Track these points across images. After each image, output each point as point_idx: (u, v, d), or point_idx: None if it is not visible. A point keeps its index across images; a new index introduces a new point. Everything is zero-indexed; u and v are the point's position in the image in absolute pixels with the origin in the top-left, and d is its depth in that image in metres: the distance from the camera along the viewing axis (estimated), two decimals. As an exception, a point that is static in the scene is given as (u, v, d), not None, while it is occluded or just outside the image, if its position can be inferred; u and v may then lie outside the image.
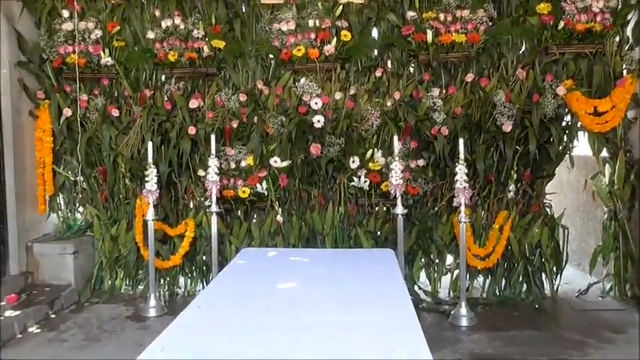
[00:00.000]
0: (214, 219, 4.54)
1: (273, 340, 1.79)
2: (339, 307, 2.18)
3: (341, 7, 4.75)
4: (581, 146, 4.85)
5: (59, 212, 5.19)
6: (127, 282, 5.09)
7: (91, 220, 5.13)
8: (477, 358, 3.59)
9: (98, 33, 4.85)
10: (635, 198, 4.56)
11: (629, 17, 4.56)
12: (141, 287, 5.05)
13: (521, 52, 4.74)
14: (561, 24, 4.45)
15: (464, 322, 4.17)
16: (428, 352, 1.67)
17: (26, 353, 3.69)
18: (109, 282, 5.05)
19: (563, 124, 4.66)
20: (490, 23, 4.59)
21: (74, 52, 4.81)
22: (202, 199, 4.88)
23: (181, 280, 5.05)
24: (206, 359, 1.65)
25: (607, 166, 4.74)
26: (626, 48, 4.58)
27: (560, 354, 3.61)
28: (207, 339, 1.83)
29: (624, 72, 4.56)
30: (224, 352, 1.68)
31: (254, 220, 4.96)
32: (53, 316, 4.41)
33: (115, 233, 5.01)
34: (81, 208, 5.22)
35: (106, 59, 4.86)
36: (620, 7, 4.51)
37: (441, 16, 4.57)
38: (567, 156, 4.70)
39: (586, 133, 4.67)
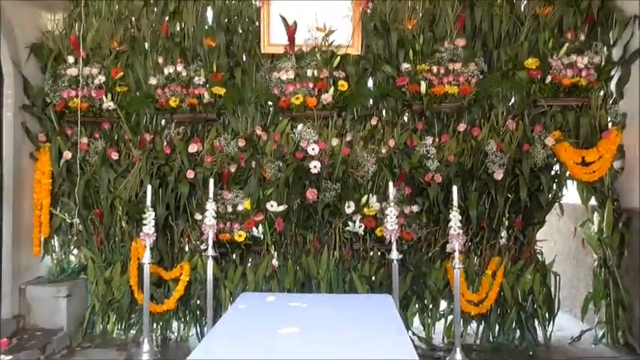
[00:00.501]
0: (210, 263, 4.56)
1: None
2: (340, 352, 2.21)
3: (338, 58, 4.95)
4: (571, 194, 5.00)
5: (53, 254, 5.17)
6: (120, 326, 5.04)
7: (86, 262, 5.10)
8: (474, 406, 3.59)
9: (102, 78, 4.97)
10: (624, 246, 4.68)
11: (612, 73, 4.82)
12: (133, 332, 5.00)
13: (510, 103, 4.96)
14: (548, 78, 4.67)
15: (459, 369, 4.17)
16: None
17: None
18: (101, 326, 5.01)
19: (553, 173, 4.83)
20: (481, 76, 4.80)
21: (77, 96, 4.91)
22: (198, 242, 4.91)
23: (174, 324, 5.01)
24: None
25: (596, 214, 4.88)
26: (611, 102, 4.81)
27: (555, 402, 3.63)
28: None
29: (609, 124, 4.78)
30: None
31: (249, 264, 4.98)
32: (44, 361, 4.35)
33: (109, 276, 4.99)
34: (75, 251, 5.22)
35: (108, 104, 4.97)
36: (603, 63, 4.75)
37: (434, 69, 4.76)
38: (557, 204, 4.84)
39: (575, 182, 4.83)
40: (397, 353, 2.21)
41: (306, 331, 2.54)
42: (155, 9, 5.22)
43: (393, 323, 2.65)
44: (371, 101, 5.07)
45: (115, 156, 4.95)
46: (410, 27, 4.93)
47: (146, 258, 4.50)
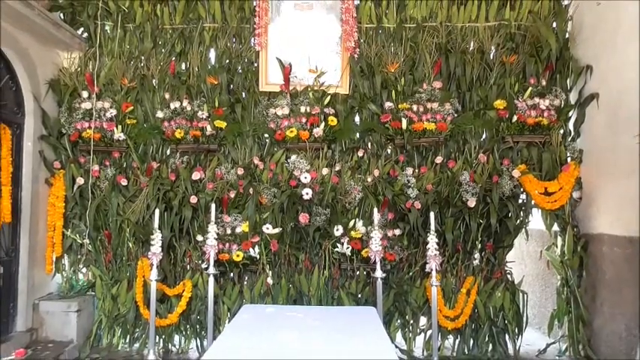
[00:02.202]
0: (211, 280, 4.99)
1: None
2: (333, 351, 2.68)
3: (329, 96, 5.50)
4: (537, 221, 5.55)
5: (63, 272, 5.57)
6: (124, 339, 5.42)
7: (94, 280, 5.51)
8: (448, 407, 4.05)
9: (113, 112, 5.47)
10: (582, 267, 5.21)
11: (570, 114, 5.42)
12: (137, 345, 5.39)
13: (482, 139, 5.52)
14: (515, 118, 5.25)
15: (436, 377, 4.64)
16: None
17: (39, 402, 4.02)
18: (108, 339, 5.39)
19: (520, 201, 5.38)
20: (455, 115, 5.38)
21: (90, 127, 5.39)
22: (199, 261, 5.35)
23: (176, 337, 5.41)
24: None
25: (559, 238, 5.42)
26: (569, 139, 5.40)
27: (519, 404, 4.10)
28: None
29: (568, 159, 5.36)
30: None
31: (246, 282, 5.42)
32: (57, 370, 4.72)
33: (115, 293, 5.40)
34: (84, 269, 5.60)
35: (119, 134, 5.45)
36: (562, 105, 5.35)
37: (414, 107, 5.32)
38: (524, 229, 5.38)
39: (539, 210, 5.38)
40: (380, 352, 2.68)
41: (303, 335, 3.01)
42: (163, 50, 5.76)
43: (376, 329, 3.12)
44: (357, 135, 5.60)
45: (124, 182, 5.42)
46: (392, 70, 5.50)
47: (153, 275, 4.93)
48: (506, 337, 5.30)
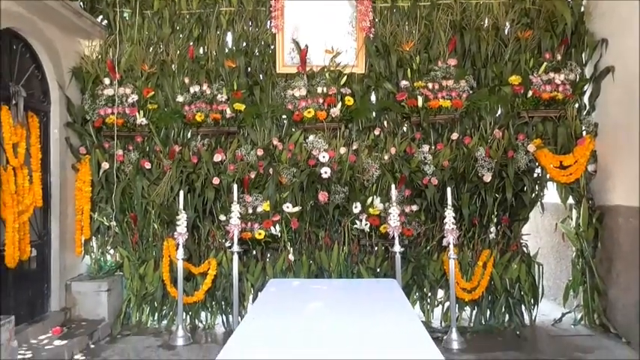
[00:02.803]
0: (235, 258, 5.18)
1: (315, 341, 2.42)
2: (358, 319, 2.83)
3: (345, 76, 5.59)
4: (552, 195, 5.65)
5: (92, 254, 5.78)
6: (153, 317, 5.65)
7: (121, 261, 5.72)
8: (468, 374, 4.23)
9: (134, 97, 5.60)
10: (598, 239, 5.32)
11: (585, 88, 5.48)
12: (165, 322, 5.61)
13: (497, 115, 5.59)
14: (530, 93, 5.30)
15: (455, 346, 4.81)
16: (432, 342, 2.33)
17: (80, 375, 4.25)
18: (137, 317, 5.61)
19: (535, 175, 5.47)
20: (471, 91, 5.45)
21: (113, 113, 5.53)
22: (223, 240, 5.53)
23: (202, 314, 5.62)
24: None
25: (573, 211, 5.52)
26: (584, 113, 5.47)
27: (537, 370, 4.26)
28: (266, 340, 2.45)
29: (583, 133, 5.43)
30: (282, 351, 2.28)
31: (268, 259, 5.59)
32: (93, 346, 4.95)
33: (143, 272, 5.61)
34: (112, 251, 5.81)
35: (141, 119, 5.59)
36: (578, 80, 5.39)
37: (430, 85, 5.40)
38: (539, 203, 5.48)
39: (554, 184, 5.47)
40: (402, 319, 2.83)
41: (329, 305, 3.17)
42: (181, 35, 5.87)
43: (398, 299, 3.28)
44: (374, 114, 5.70)
45: (147, 166, 5.58)
46: (408, 49, 5.57)
47: (180, 254, 5.12)
48: (523, 307, 5.46)
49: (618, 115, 5.04)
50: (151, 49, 5.85)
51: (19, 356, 4.17)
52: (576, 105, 5.47)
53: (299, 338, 2.47)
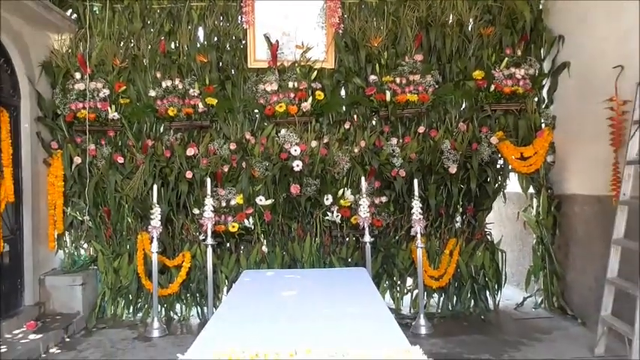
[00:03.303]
0: (209, 250, 5.28)
1: (289, 328, 2.56)
2: (330, 305, 2.99)
3: (315, 71, 5.72)
4: (514, 185, 5.91)
5: (65, 249, 5.79)
6: (128, 310, 5.71)
7: (95, 255, 5.74)
8: (435, 356, 4.42)
9: (106, 92, 5.61)
10: (556, 226, 5.60)
11: (544, 82, 5.73)
12: (140, 314, 5.68)
13: (462, 108, 5.80)
14: (492, 87, 5.51)
15: (423, 331, 5.03)
16: (398, 327, 2.50)
17: (56, 367, 4.31)
18: (112, 310, 5.67)
19: (497, 166, 5.71)
20: (437, 86, 5.64)
21: (84, 108, 5.53)
22: (197, 233, 5.61)
23: (177, 306, 5.70)
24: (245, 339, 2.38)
25: (534, 200, 5.78)
26: (543, 106, 5.73)
27: (499, 351, 4.50)
28: (242, 326, 2.59)
29: (543, 125, 5.68)
30: (256, 336, 2.42)
31: (242, 251, 5.70)
32: (68, 339, 5.00)
33: (117, 266, 5.65)
34: (85, 245, 5.84)
35: (113, 114, 5.62)
36: (537, 74, 5.63)
37: (397, 80, 5.56)
38: (502, 193, 5.73)
39: (516, 174, 5.73)
40: (372, 304, 3.00)
41: (302, 293, 3.32)
42: (152, 30, 5.91)
43: (366, 285, 3.46)
44: (344, 108, 5.85)
45: (120, 160, 5.62)
46: (376, 44, 5.73)
47: (154, 247, 5.19)
48: (487, 293, 5.70)
49: (574, 108, 5.31)
50: (122, 43, 5.87)
51: (-5, 350, 4.21)
52: (536, 98, 5.72)
53: (272, 324, 2.61)
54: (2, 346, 4.34)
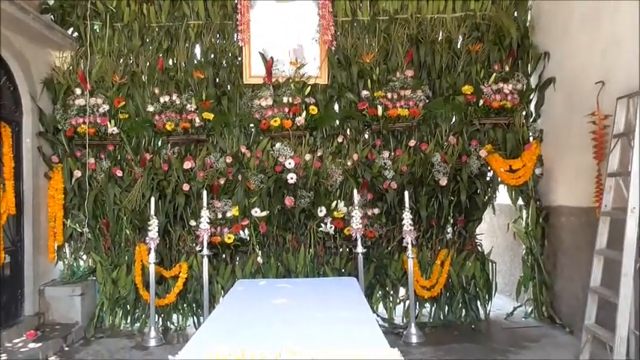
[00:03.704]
0: (205, 261, 5.41)
1: (277, 331, 2.69)
2: (319, 313, 3.12)
3: (309, 87, 5.89)
4: (504, 196, 6.05)
5: (65, 260, 5.92)
6: (126, 320, 5.83)
7: (94, 266, 5.87)
8: (424, 364, 4.55)
9: (106, 107, 5.78)
10: (544, 237, 5.73)
11: (531, 97, 5.90)
12: (138, 324, 5.79)
13: (452, 122, 5.95)
14: (481, 102, 5.69)
15: (414, 340, 5.14)
16: (379, 331, 2.62)
17: (55, 375, 4.43)
18: (110, 320, 5.78)
19: (487, 179, 5.86)
20: (427, 100, 5.80)
21: (85, 123, 5.70)
22: (194, 244, 5.75)
23: (174, 316, 5.82)
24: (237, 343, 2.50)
25: (523, 211, 5.91)
26: (531, 120, 5.90)
27: (488, 358, 4.61)
28: (233, 330, 2.71)
29: (530, 138, 5.84)
30: (245, 339, 2.54)
31: (237, 262, 5.82)
32: (67, 348, 5.11)
33: (115, 277, 5.78)
34: (84, 256, 5.96)
35: (112, 129, 5.78)
36: (524, 89, 5.80)
37: (389, 95, 5.72)
38: (491, 204, 5.87)
39: (505, 186, 5.87)
40: (358, 310, 3.13)
41: (292, 301, 3.44)
42: (151, 47, 6.10)
43: (355, 294, 3.58)
44: (337, 122, 6.00)
45: (119, 173, 5.77)
46: (368, 61, 5.90)
47: (151, 258, 5.34)
48: (478, 303, 5.81)
49: (560, 122, 5.47)
50: (122, 60, 6.05)
51: (-5, 359, 4.32)
52: (523, 112, 5.87)
53: (261, 328, 2.74)
54: (3, 355, 4.46)
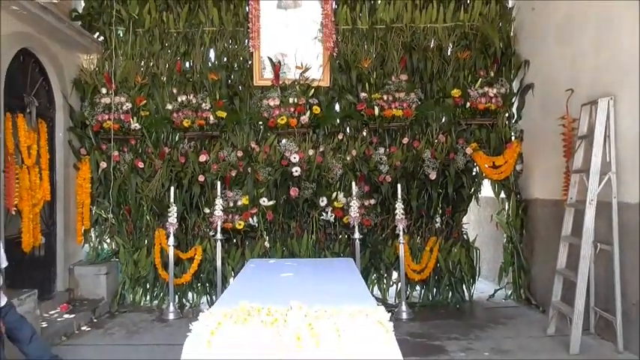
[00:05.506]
0: (218, 245, 6.04)
1: (289, 293, 3.30)
2: (320, 285, 3.74)
3: (313, 89, 6.49)
4: (489, 190, 6.66)
5: (91, 242, 6.56)
6: (145, 297, 6.47)
7: (117, 248, 6.51)
8: (413, 335, 5.16)
9: (129, 105, 6.39)
10: (523, 227, 6.35)
11: (513, 100, 6.50)
12: (156, 302, 6.44)
13: (441, 122, 6.55)
14: (468, 104, 6.27)
15: (404, 316, 5.78)
16: (370, 295, 3.25)
17: (91, 340, 5.10)
18: (131, 297, 6.43)
19: (473, 174, 6.46)
20: (419, 102, 6.39)
21: (109, 119, 6.31)
22: (207, 230, 6.38)
23: (189, 294, 6.46)
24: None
25: (505, 204, 6.53)
26: (513, 121, 6.50)
27: (467, 331, 5.24)
28: (251, 295, 3.32)
29: (512, 138, 6.44)
30: (261, 299, 3.14)
31: (247, 246, 6.44)
32: (95, 320, 5.76)
33: (136, 259, 6.42)
34: (108, 239, 6.60)
35: (134, 125, 6.39)
36: (507, 93, 6.39)
37: (385, 97, 6.29)
38: (475, 197, 6.49)
39: (489, 181, 6.48)
40: (353, 281, 3.76)
41: (297, 275, 4.06)
42: (169, 51, 6.69)
43: (352, 271, 4.21)
44: (338, 121, 6.61)
45: (140, 165, 6.39)
46: (366, 65, 6.50)
47: (171, 241, 5.97)
48: (463, 286, 6.43)
49: (537, 124, 6.08)
50: (143, 62, 6.65)
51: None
52: (506, 114, 6.47)
53: (272, 293, 3.37)
54: (43, 323, 5.09)
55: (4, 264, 3.90)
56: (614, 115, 4.52)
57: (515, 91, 6.51)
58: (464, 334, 5.15)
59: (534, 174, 6.18)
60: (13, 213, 5.03)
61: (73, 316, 5.48)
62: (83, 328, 5.47)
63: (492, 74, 6.40)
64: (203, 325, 2.40)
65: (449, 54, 6.59)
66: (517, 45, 6.50)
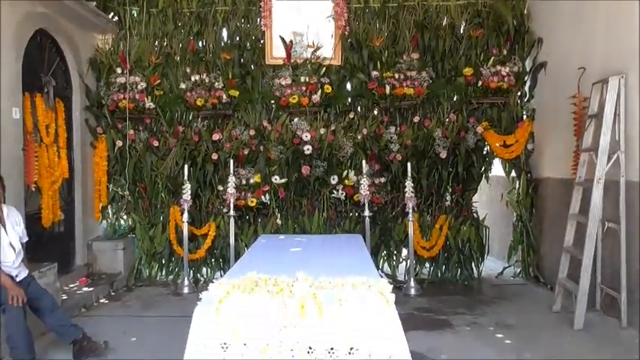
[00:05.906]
0: (231, 222, 6.18)
1: (296, 266, 3.42)
2: (327, 259, 3.85)
3: (324, 68, 6.53)
4: (499, 169, 6.68)
5: (108, 219, 6.75)
6: (161, 272, 6.67)
7: (134, 225, 6.70)
8: (420, 309, 5.28)
9: (143, 85, 6.49)
10: (533, 206, 6.38)
11: (525, 79, 6.47)
12: (171, 276, 6.63)
13: (452, 101, 6.56)
14: (480, 83, 6.26)
15: (412, 292, 5.89)
16: (374, 267, 3.35)
17: (109, 312, 5.30)
18: (147, 272, 6.63)
19: (483, 153, 6.49)
20: (430, 81, 6.39)
21: (125, 98, 6.42)
22: (221, 207, 6.52)
23: (203, 269, 6.64)
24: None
25: (516, 183, 6.55)
26: (525, 100, 6.48)
27: (473, 307, 5.33)
28: (260, 267, 3.45)
29: (524, 117, 6.43)
30: (270, 270, 3.26)
31: (259, 223, 6.57)
32: (113, 293, 5.97)
33: (152, 235, 6.59)
34: (125, 216, 6.79)
35: (149, 104, 6.50)
36: (520, 72, 6.36)
37: (396, 76, 6.31)
38: (485, 176, 6.52)
39: (499, 160, 6.50)
40: (360, 256, 3.86)
41: (306, 250, 4.18)
42: (183, 31, 6.76)
43: (359, 246, 4.31)
44: (349, 100, 6.67)
45: (155, 143, 6.52)
46: (377, 44, 6.51)
47: (185, 218, 6.13)
48: (472, 263, 6.51)
49: (549, 102, 6.06)
50: (157, 42, 6.75)
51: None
52: (518, 93, 6.46)
53: (281, 265, 3.48)
54: (63, 295, 5.30)
55: (25, 239, 4.08)
56: (624, 94, 4.51)
57: (527, 69, 6.48)
58: (470, 310, 5.24)
59: (545, 153, 6.19)
60: (33, 190, 5.21)
61: (91, 289, 5.69)
62: (101, 300, 5.68)
63: (505, 52, 6.37)
64: (213, 294, 2.52)
65: (461, 32, 6.56)
66: (531, 23, 6.45)
